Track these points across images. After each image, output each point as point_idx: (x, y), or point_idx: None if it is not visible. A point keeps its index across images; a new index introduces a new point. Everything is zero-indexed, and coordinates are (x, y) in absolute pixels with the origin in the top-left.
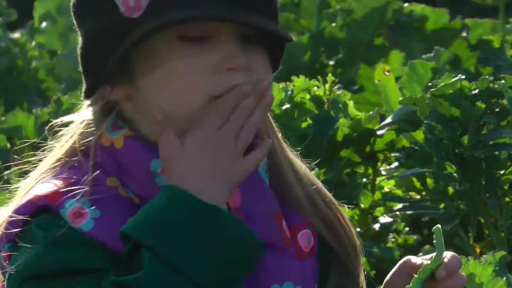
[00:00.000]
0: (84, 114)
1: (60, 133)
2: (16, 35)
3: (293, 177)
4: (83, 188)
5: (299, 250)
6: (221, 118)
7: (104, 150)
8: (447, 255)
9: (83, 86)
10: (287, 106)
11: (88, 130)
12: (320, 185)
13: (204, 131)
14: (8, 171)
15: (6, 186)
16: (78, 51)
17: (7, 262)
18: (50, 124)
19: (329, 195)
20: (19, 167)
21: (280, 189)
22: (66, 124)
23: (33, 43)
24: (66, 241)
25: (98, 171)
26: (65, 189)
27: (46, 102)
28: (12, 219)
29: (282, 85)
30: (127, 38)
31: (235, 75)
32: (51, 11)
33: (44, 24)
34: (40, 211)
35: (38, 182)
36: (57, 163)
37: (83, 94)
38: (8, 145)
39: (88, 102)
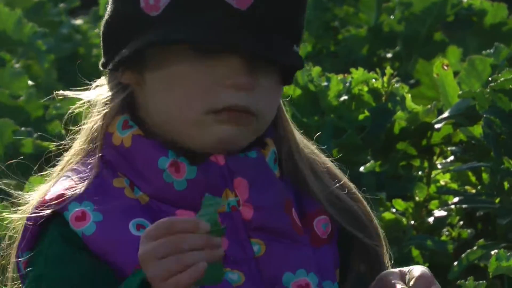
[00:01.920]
0: (95, 92)
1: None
2: (78, 21)
3: (309, 172)
4: (88, 189)
5: (316, 236)
6: (167, 250)
7: (114, 148)
8: (416, 271)
9: (101, 59)
10: (344, 97)
11: (102, 113)
12: (343, 177)
13: (149, 252)
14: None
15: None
16: (101, 26)
17: (25, 270)
18: (52, 95)
19: (352, 187)
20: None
21: (296, 182)
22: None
23: (96, 30)
24: (64, 262)
25: (106, 171)
26: (70, 191)
27: None
28: (27, 225)
29: (340, 77)
30: (140, 34)
31: (235, 94)
32: None
33: None
34: (51, 214)
35: (59, 175)
36: (74, 155)
37: (100, 66)
38: (63, 132)
39: (101, 81)
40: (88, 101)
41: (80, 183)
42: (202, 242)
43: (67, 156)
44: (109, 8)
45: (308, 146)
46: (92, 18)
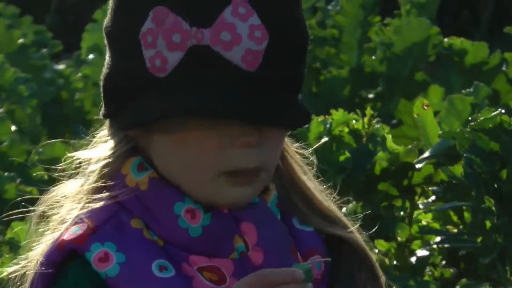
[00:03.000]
0: (102, 149)
1: (82, 168)
2: (61, 66)
3: (306, 209)
4: (108, 230)
5: None
6: None
7: (128, 190)
8: None
9: (102, 107)
10: (325, 139)
11: (109, 163)
12: (336, 215)
13: None
14: (44, 203)
15: (42, 220)
16: (102, 76)
17: None
18: (67, 157)
19: (348, 224)
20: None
21: (291, 212)
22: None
23: (79, 74)
24: None
25: (122, 212)
26: (91, 232)
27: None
28: (44, 266)
29: (321, 118)
30: (145, 94)
31: (246, 153)
32: (100, 43)
33: (91, 56)
34: (69, 256)
35: (65, 223)
36: (84, 202)
37: (101, 116)
38: (46, 177)
39: (106, 135)
40: (88, 159)
41: (99, 224)
42: None
43: (69, 200)
44: (109, 60)
45: (307, 186)
46: (75, 63)
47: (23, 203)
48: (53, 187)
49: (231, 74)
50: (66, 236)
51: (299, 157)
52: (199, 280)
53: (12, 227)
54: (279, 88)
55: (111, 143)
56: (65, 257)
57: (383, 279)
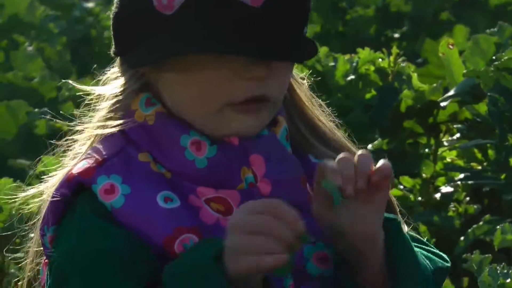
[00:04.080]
0: (114, 86)
1: (95, 103)
2: (90, 4)
3: (314, 140)
4: (115, 163)
5: None
6: (261, 228)
7: (137, 126)
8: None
9: (112, 45)
10: (351, 77)
11: (120, 100)
12: (346, 144)
13: (244, 222)
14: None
15: (64, 155)
16: (112, 15)
17: (50, 245)
18: (79, 94)
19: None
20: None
21: (304, 151)
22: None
23: (108, 12)
24: (96, 235)
25: (130, 147)
26: (98, 165)
27: None
28: (54, 199)
29: (347, 56)
30: (154, 32)
31: (253, 85)
32: None
33: None
34: (78, 188)
35: (76, 158)
36: (92, 138)
37: (112, 54)
38: (75, 112)
39: (117, 71)
40: (99, 95)
41: (106, 157)
42: (291, 239)
43: (84, 135)
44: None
45: (316, 115)
46: (104, 1)
47: (52, 139)
48: (78, 123)
49: (236, 10)
50: (74, 170)
51: (306, 87)
52: (206, 210)
53: (43, 161)
54: (284, 23)
55: (121, 80)
56: (74, 191)
57: (399, 216)
